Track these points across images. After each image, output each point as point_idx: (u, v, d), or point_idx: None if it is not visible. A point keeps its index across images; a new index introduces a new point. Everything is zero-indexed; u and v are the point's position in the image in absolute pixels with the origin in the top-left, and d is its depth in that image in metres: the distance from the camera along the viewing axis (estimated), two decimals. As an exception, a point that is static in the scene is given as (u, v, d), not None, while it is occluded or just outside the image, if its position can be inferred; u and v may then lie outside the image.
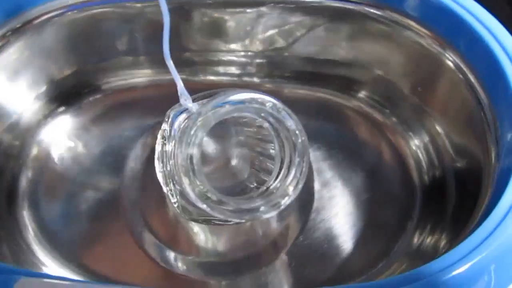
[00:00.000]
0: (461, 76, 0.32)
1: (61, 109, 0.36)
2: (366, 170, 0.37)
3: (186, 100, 0.25)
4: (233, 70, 0.38)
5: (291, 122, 0.25)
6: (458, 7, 0.32)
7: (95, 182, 0.35)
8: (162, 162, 0.26)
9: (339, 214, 0.35)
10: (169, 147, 0.26)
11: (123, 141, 0.36)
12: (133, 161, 0.36)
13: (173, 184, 0.26)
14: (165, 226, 0.34)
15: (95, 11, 0.33)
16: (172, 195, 0.27)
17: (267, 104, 0.25)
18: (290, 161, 0.26)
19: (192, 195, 0.24)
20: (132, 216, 0.34)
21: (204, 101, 0.25)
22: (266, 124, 0.26)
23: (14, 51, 0.32)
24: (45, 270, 0.32)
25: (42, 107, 0.35)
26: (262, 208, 0.26)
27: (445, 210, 0.34)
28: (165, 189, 0.27)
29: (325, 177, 0.36)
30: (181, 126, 0.25)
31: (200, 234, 0.35)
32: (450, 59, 0.32)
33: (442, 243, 0.32)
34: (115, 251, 0.34)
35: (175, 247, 0.34)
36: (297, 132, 0.25)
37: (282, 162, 0.26)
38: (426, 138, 0.36)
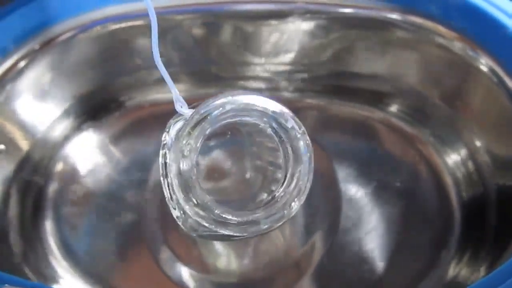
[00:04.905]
0: (497, 81, 0.29)
1: (87, 124, 0.36)
2: (398, 189, 0.34)
3: (181, 106, 0.24)
4: (262, 84, 0.38)
5: (293, 127, 0.24)
6: (489, 6, 0.29)
7: (119, 197, 0.35)
8: (164, 174, 0.25)
9: (368, 237, 0.33)
10: (168, 157, 0.24)
11: (148, 156, 0.36)
12: (156, 176, 0.35)
13: (174, 197, 0.24)
14: (184, 244, 0.33)
15: (118, 26, 0.34)
16: (175, 210, 0.25)
17: (269, 109, 0.24)
18: (294, 169, 0.24)
19: (188, 209, 0.23)
20: (152, 232, 0.34)
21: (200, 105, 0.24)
22: (269, 130, 0.24)
23: (40, 68, 0.33)
24: (62, 282, 0.32)
25: (68, 122, 0.36)
26: (263, 221, 0.24)
27: (485, 235, 0.30)
28: (168, 203, 0.26)
29: (354, 196, 0.34)
30: (176, 135, 0.24)
31: (221, 253, 0.34)
32: (484, 63, 0.29)
33: (480, 275, 0.29)
34: (133, 267, 0.33)
35: (194, 266, 0.33)
36: (298, 135, 0.23)
37: (286, 171, 0.24)
38: (464, 152, 0.33)
